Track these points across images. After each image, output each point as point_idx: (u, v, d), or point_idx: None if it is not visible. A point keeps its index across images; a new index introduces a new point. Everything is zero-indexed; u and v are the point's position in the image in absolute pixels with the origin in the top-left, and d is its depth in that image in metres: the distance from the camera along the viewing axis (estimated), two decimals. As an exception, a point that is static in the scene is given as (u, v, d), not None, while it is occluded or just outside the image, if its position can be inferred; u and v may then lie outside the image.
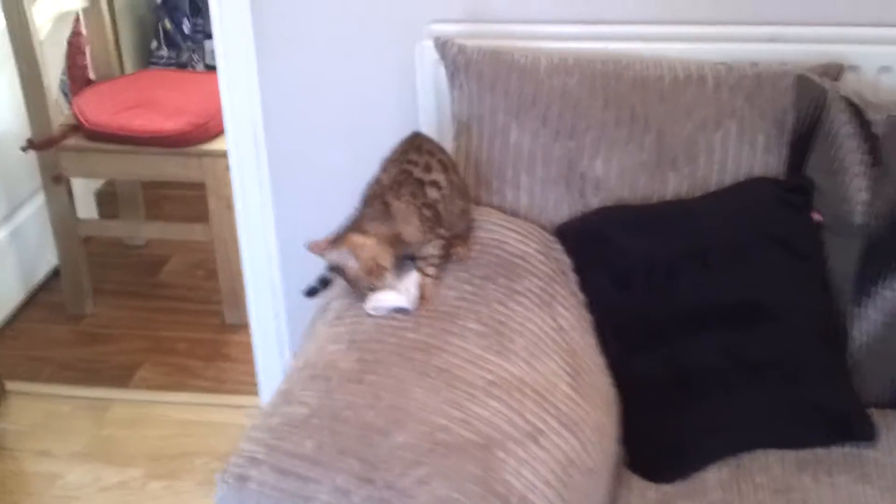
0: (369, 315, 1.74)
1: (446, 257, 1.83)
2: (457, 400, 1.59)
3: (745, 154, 1.98)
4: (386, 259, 1.73)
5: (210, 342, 3.18)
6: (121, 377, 3.04)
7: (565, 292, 1.90)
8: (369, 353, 1.66)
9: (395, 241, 1.75)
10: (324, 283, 1.86)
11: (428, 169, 1.81)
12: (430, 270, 1.79)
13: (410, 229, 1.76)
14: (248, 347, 2.81)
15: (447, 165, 1.85)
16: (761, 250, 1.90)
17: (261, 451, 1.50)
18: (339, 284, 1.86)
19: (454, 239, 1.86)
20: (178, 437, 2.79)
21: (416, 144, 1.85)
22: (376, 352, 1.66)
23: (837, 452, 1.80)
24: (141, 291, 3.45)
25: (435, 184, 1.80)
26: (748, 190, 1.97)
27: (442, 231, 1.80)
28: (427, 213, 1.77)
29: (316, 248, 1.74)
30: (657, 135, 1.98)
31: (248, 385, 2.91)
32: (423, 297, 1.77)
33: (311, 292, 1.86)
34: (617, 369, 1.87)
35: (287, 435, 1.51)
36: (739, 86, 1.99)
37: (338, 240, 1.73)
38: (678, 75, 2.01)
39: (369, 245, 1.72)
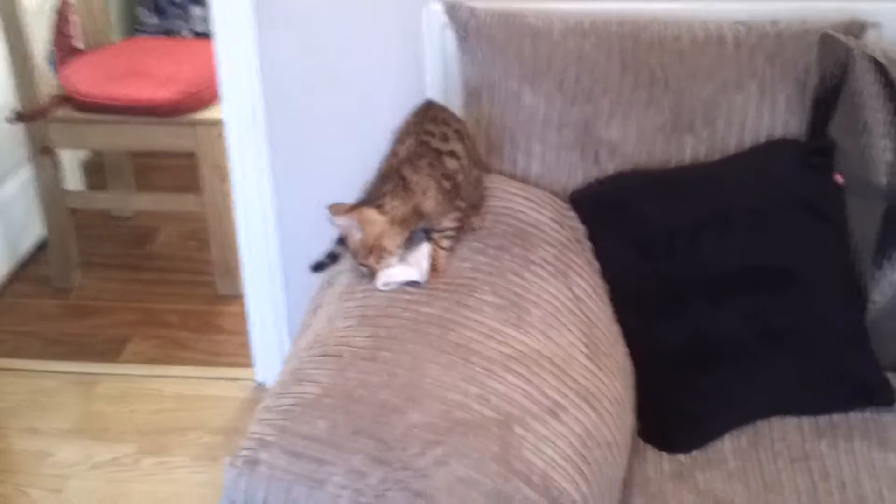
0: (379, 289, 1.66)
1: (461, 229, 1.76)
2: (474, 376, 1.52)
3: (765, 116, 1.93)
4: (393, 242, 1.65)
5: (202, 314, 3.10)
6: (110, 351, 2.96)
7: (581, 261, 1.83)
8: (382, 328, 1.58)
9: (413, 217, 1.67)
10: (332, 257, 1.78)
11: (445, 139, 1.73)
12: (446, 243, 1.71)
13: (430, 202, 1.67)
14: (241, 319, 2.75)
15: (463, 134, 1.77)
16: (784, 213, 1.84)
17: (271, 434, 1.42)
18: (347, 259, 1.78)
19: (468, 209, 1.78)
20: (171, 412, 2.72)
21: (430, 115, 1.77)
22: (390, 327, 1.58)
23: (856, 418, 1.78)
24: (130, 263, 3.36)
25: (453, 154, 1.73)
26: (770, 152, 1.92)
27: (460, 203, 1.72)
28: (446, 184, 1.69)
29: (334, 210, 1.66)
30: (676, 97, 1.92)
31: (241, 357, 2.85)
32: (435, 270, 1.69)
33: (318, 267, 1.79)
34: (633, 338, 1.81)
35: (298, 416, 1.44)
36: (760, 45, 1.93)
37: (354, 208, 1.64)
38: (697, 36, 1.94)
39: (379, 223, 1.64)
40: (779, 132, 1.92)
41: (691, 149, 1.93)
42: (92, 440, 2.63)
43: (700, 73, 1.92)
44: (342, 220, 1.64)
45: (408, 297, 1.65)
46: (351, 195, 1.72)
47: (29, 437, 2.65)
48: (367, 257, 1.65)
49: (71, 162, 3.53)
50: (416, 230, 1.70)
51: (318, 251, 1.78)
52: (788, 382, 1.79)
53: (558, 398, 1.55)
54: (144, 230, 3.51)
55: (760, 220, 1.82)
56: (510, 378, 1.53)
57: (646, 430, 1.76)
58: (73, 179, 3.55)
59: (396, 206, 1.65)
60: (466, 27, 1.98)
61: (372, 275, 1.67)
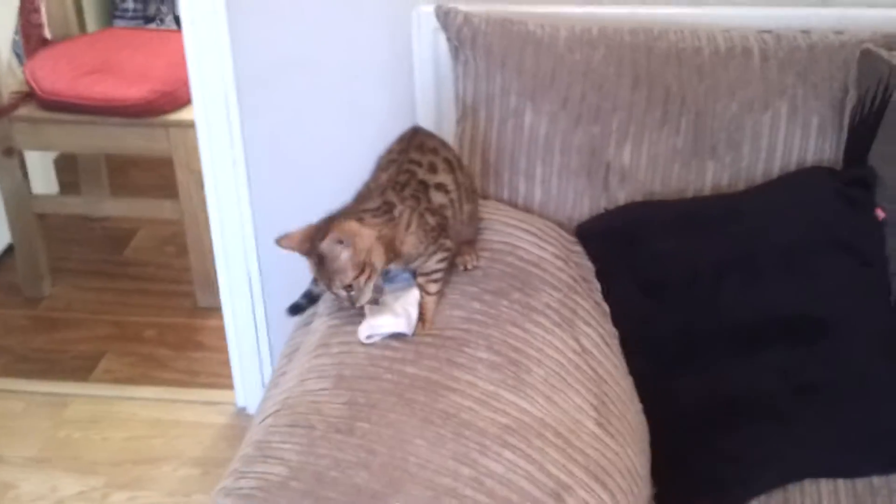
0: (361, 343, 1.46)
1: (451, 270, 1.55)
2: (466, 453, 1.32)
3: (796, 140, 1.76)
4: (380, 259, 1.44)
5: (181, 328, 2.90)
6: (81, 369, 2.76)
7: (588, 304, 1.63)
8: (361, 393, 1.38)
9: (392, 249, 1.46)
10: (310, 298, 1.60)
11: (433, 169, 1.53)
12: (433, 288, 1.51)
13: (411, 239, 1.47)
14: (222, 334, 2.55)
15: (453, 164, 1.57)
16: (818, 254, 1.66)
17: (229, 524, 1.23)
18: (325, 300, 1.59)
19: (461, 245, 1.58)
20: (144, 440, 2.52)
21: (417, 142, 1.57)
22: (369, 392, 1.38)
23: (897, 482, 1.60)
24: (105, 270, 3.16)
25: (441, 187, 1.53)
26: (801, 182, 1.74)
27: (446, 241, 1.51)
28: (431, 220, 1.49)
29: (288, 243, 1.46)
30: (695, 117, 1.74)
31: (222, 378, 2.66)
32: (423, 320, 1.49)
33: (296, 309, 1.60)
34: (647, 391, 1.63)
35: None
36: (790, 60, 1.75)
37: (332, 225, 1.42)
38: (719, 47, 1.76)
39: (367, 236, 1.43)
40: (811, 159, 1.75)
41: (712, 176, 1.75)
42: (58, 470, 2.45)
43: (722, 90, 1.74)
44: (326, 244, 1.41)
45: (391, 353, 1.45)
46: (333, 202, 1.51)
47: (-8, 466, 2.47)
48: (357, 278, 1.43)
49: (43, 159, 3.33)
50: (396, 269, 1.51)
51: (298, 262, 1.53)
52: (822, 443, 1.61)
53: (563, 477, 1.35)
54: (120, 233, 3.30)
55: (791, 263, 1.64)
56: (507, 455, 1.34)
57: (663, 495, 1.58)
58: (45, 178, 3.36)
59: (378, 223, 1.45)
60: (460, 35, 1.77)
61: (352, 304, 1.46)
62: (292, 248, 1.46)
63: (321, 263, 1.43)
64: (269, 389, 1.57)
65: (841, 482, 1.60)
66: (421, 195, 1.50)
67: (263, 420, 1.40)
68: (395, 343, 1.46)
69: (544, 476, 1.34)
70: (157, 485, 2.40)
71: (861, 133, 1.72)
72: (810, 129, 1.74)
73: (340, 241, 1.40)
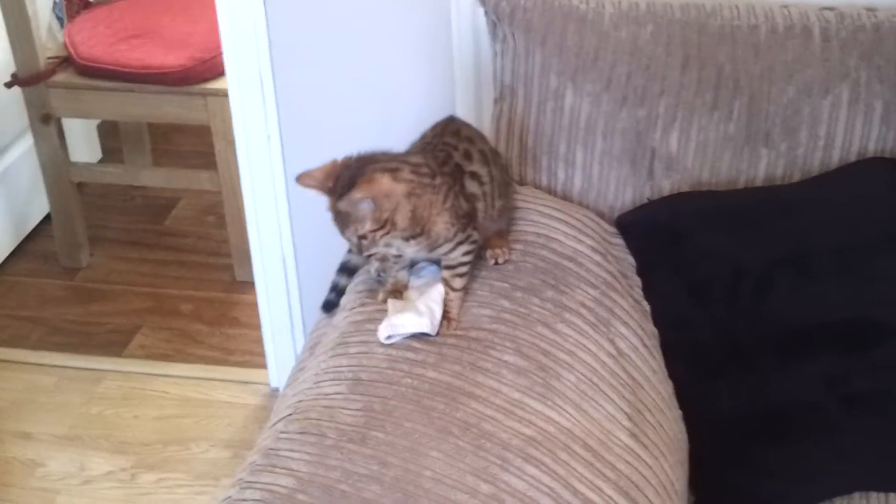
0: (381, 343, 1.37)
1: (479, 264, 1.46)
2: (486, 468, 1.23)
3: (857, 127, 1.62)
4: (404, 220, 1.34)
5: (217, 303, 2.83)
6: (116, 343, 2.70)
7: (626, 303, 1.53)
8: (377, 399, 1.29)
9: (418, 217, 1.36)
10: (338, 292, 1.53)
11: (468, 157, 1.44)
12: (458, 283, 1.41)
13: (443, 218, 1.38)
14: (257, 310, 2.46)
15: (488, 157, 1.47)
16: (876, 254, 1.55)
17: (230, 540, 1.15)
18: (349, 291, 1.51)
19: (491, 237, 1.48)
20: (175, 419, 2.46)
21: (452, 128, 1.48)
22: (386, 399, 1.29)
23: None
24: (144, 240, 3.09)
25: (475, 176, 1.43)
26: (861, 174, 1.61)
27: (474, 234, 1.41)
28: (464, 205, 1.39)
29: (309, 181, 1.38)
30: (748, 101, 1.62)
31: (256, 356, 2.59)
32: (448, 318, 1.39)
33: (329, 307, 1.53)
34: (688, 398, 1.52)
35: (265, 517, 1.17)
36: (854, 40, 1.61)
37: (352, 172, 1.34)
38: (777, 25, 1.63)
39: (397, 192, 1.33)
40: (873, 149, 1.62)
41: (766, 165, 1.62)
42: (88, 449, 2.40)
43: (778, 72, 1.61)
44: (349, 200, 1.32)
45: (411, 355, 1.35)
46: None
47: (22, 444, 2.42)
48: (374, 231, 1.34)
49: (86, 126, 3.26)
50: (420, 256, 1.42)
51: (333, 241, 1.46)
52: (872, 456, 1.51)
53: (591, 495, 1.25)
54: (161, 201, 3.22)
55: (846, 263, 1.52)
56: (530, 470, 1.24)
57: (701, 505, 1.48)
58: (87, 145, 3.29)
59: (415, 182, 1.35)
60: (498, 10, 1.66)
61: (359, 252, 1.38)
62: (313, 187, 1.37)
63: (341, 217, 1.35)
64: (286, 387, 1.48)
65: (893, 496, 1.49)
66: (457, 175, 1.41)
67: (274, 424, 1.32)
68: (416, 344, 1.37)
69: (570, 494, 1.24)
70: (186, 466, 2.34)
71: (929, 122, 1.59)
72: (873, 115, 1.60)
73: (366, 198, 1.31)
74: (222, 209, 2.86)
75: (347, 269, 1.56)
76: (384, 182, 1.33)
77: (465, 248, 1.41)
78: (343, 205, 1.33)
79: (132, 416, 2.48)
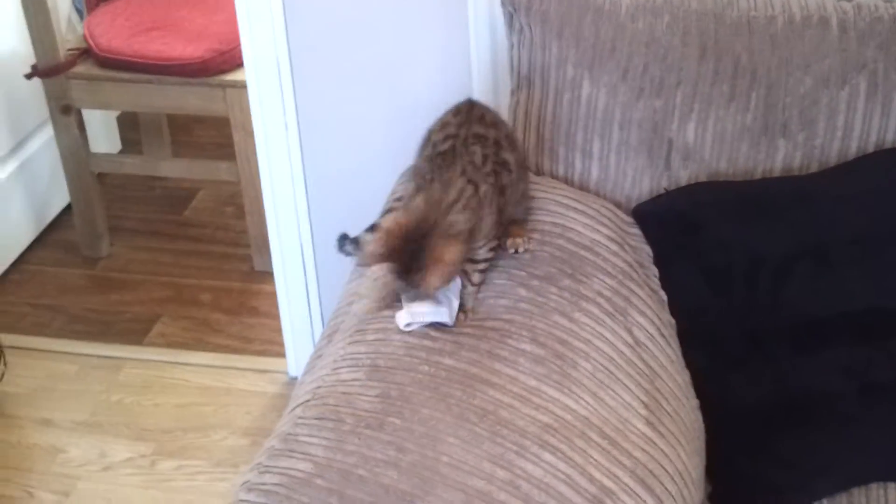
0: (399, 330, 1.38)
1: (498, 253, 1.46)
2: (502, 454, 1.24)
3: (876, 118, 1.62)
4: (462, 261, 1.35)
5: (237, 292, 2.85)
6: (136, 332, 2.72)
7: (643, 293, 1.53)
8: (394, 386, 1.30)
9: (471, 241, 1.37)
10: (354, 242, 1.46)
11: (498, 146, 1.44)
12: (477, 277, 1.42)
13: (488, 220, 1.38)
14: (276, 300, 2.48)
15: (514, 142, 1.48)
16: (894, 244, 1.53)
17: (249, 524, 1.17)
18: (365, 276, 1.51)
19: (510, 226, 1.49)
20: (195, 407, 2.48)
21: (476, 115, 1.47)
22: (403, 385, 1.30)
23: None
24: (164, 230, 3.11)
25: (505, 165, 1.43)
26: (880, 165, 1.61)
27: (499, 227, 1.42)
28: (500, 200, 1.40)
29: (375, 259, 1.34)
30: (766, 92, 1.61)
31: (275, 345, 2.60)
32: (464, 310, 1.40)
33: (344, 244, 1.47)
34: (705, 388, 1.52)
35: (283, 501, 1.19)
36: (871, 31, 1.61)
37: (413, 249, 1.30)
38: (794, 16, 1.62)
39: (461, 253, 1.32)
40: (892, 139, 1.61)
41: (783, 156, 1.62)
42: (108, 436, 2.41)
43: (796, 62, 1.60)
44: (438, 284, 1.31)
45: (429, 343, 1.36)
46: (386, 163, 1.47)
47: (42, 430, 2.44)
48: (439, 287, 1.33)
49: (105, 117, 3.28)
50: None
51: (350, 230, 1.45)
52: (892, 444, 1.50)
53: (606, 482, 1.26)
54: (181, 192, 3.25)
55: (865, 253, 1.52)
56: (547, 457, 1.25)
57: (717, 495, 1.49)
58: (107, 136, 3.31)
59: (468, 219, 1.34)
60: (514, 1, 1.67)
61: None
62: (381, 263, 1.34)
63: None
64: (304, 373, 1.50)
65: (912, 487, 1.49)
66: (501, 172, 1.41)
67: (293, 410, 1.34)
68: (433, 332, 1.38)
69: (586, 480, 1.25)
70: (205, 453, 2.36)
71: (947, 112, 1.59)
72: (891, 106, 1.60)
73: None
74: (241, 199, 2.88)
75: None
76: (454, 254, 1.31)
77: (492, 243, 1.42)
78: (425, 293, 1.33)
79: (152, 404, 2.50)
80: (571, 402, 1.33)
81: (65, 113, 2.78)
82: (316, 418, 1.28)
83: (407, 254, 1.30)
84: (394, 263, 1.32)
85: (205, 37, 2.70)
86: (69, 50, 2.76)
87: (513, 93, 1.71)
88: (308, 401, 1.32)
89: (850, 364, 1.49)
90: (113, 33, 2.75)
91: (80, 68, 2.75)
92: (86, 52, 2.76)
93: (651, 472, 1.32)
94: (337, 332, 1.50)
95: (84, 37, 2.77)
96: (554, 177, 1.68)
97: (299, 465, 1.22)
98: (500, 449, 1.24)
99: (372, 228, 1.38)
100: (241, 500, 1.21)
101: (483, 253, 1.41)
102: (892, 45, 1.60)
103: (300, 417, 1.30)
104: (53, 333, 2.73)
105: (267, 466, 1.24)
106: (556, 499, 1.22)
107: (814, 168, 1.62)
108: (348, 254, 1.43)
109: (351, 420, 1.27)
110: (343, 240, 1.42)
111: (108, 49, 2.71)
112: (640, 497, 1.28)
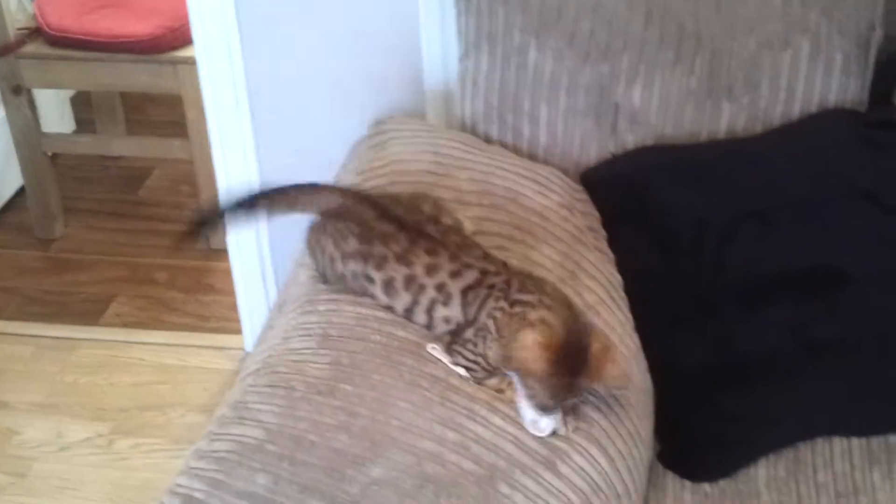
0: (349, 305, 1.38)
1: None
2: (453, 417, 1.26)
3: (818, 79, 1.65)
4: None
5: (193, 270, 2.84)
6: (92, 312, 2.71)
7: (593, 257, 1.55)
8: (345, 354, 1.31)
9: None
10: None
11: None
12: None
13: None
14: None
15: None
16: (836, 203, 1.57)
17: (201, 489, 1.18)
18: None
19: None
20: (152, 385, 2.48)
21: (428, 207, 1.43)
22: (354, 353, 1.31)
23: (914, 440, 1.53)
24: (118, 210, 3.09)
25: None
26: (822, 125, 1.64)
27: None
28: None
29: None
30: (710, 56, 1.64)
31: (232, 322, 2.59)
32: None
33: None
34: (654, 349, 1.53)
35: (235, 467, 1.19)
36: (814, -5, 1.63)
37: (579, 351, 1.26)
38: (737, -19, 1.63)
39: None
40: (834, 100, 1.65)
41: (728, 118, 1.65)
42: (64, 416, 2.40)
43: (740, 26, 1.63)
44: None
45: (382, 315, 1.37)
46: (337, 137, 1.51)
47: (-3, 412, 2.43)
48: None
49: (58, 97, 3.25)
50: None
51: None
52: (835, 401, 1.54)
53: (558, 442, 1.28)
54: (135, 171, 3.22)
55: (807, 212, 1.55)
56: (496, 420, 1.27)
57: (666, 453, 1.52)
58: (60, 116, 3.27)
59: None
60: (462, -33, 1.67)
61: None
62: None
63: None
64: (256, 345, 1.50)
65: (855, 440, 1.53)
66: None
67: (244, 379, 1.34)
68: (382, 313, 1.38)
69: (535, 442, 1.26)
70: (162, 431, 2.36)
71: (888, 72, 1.63)
72: (833, 68, 1.63)
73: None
74: (195, 178, 2.87)
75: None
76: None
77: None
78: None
79: (108, 384, 2.49)
80: (521, 365, 1.34)
81: (15, 93, 2.76)
82: (267, 386, 1.29)
83: (572, 356, 1.25)
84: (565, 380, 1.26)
85: (156, 13, 2.69)
86: (19, 29, 2.74)
87: (461, 60, 1.72)
88: (259, 369, 1.33)
89: (795, 322, 1.52)
90: (63, 11, 2.72)
91: (31, 47, 2.73)
92: (36, 31, 2.74)
93: (605, 431, 1.33)
94: (286, 304, 1.50)
95: (34, 16, 2.75)
96: (503, 145, 1.69)
97: (250, 432, 1.23)
98: (451, 412, 1.26)
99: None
100: (192, 468, 1.21)
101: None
102: (833, 9, 1.63)
103: (251, 385, 1.30)
104: (9, 316, 2.71)
105: (217, 434, 1.25)
106: (506, 460, 1.23)
107: (758, 130, 1.65)
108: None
109: (302, 387, 1.27)
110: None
111: (58, 28, 2.69)
112: (592, 457, 1.29)
